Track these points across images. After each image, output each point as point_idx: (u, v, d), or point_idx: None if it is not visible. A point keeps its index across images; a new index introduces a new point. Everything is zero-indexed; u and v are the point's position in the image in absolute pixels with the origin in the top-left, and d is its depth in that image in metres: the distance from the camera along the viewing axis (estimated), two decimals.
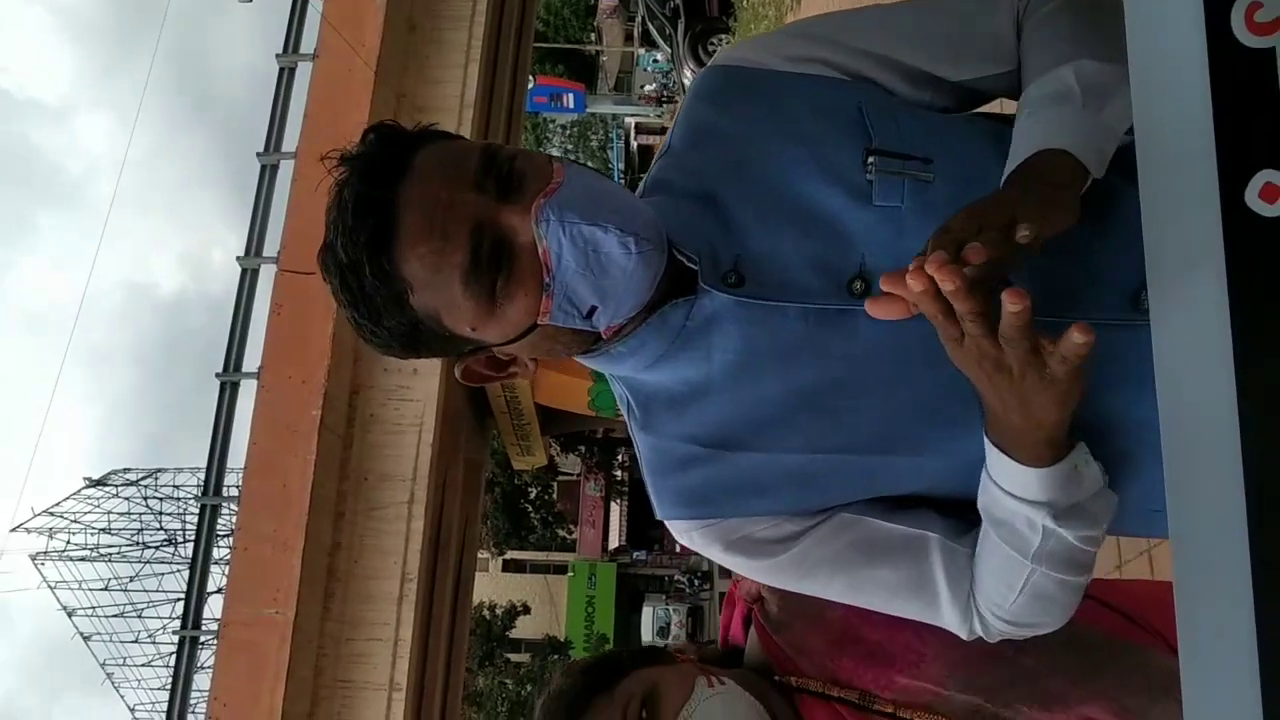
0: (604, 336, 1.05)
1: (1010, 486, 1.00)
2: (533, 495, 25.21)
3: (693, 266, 1.05)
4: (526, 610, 24.06)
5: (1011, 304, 0.83)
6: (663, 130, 32.49)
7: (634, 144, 32.57)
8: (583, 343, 1.06)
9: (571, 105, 24.13)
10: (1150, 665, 1.28)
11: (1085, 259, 1.03)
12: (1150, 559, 3.13)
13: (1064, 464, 0.98)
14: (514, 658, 23.28)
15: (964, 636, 1.13)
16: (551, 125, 31.35)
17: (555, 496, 26.56)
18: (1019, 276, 0.97)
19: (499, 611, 23.19)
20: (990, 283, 0.86)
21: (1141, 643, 1.32)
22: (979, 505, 1.06)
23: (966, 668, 1.26)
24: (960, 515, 1.10)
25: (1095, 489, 1.01)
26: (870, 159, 1.05)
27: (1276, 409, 0.72)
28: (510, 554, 27.13)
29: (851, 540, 1.11)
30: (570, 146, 32.01)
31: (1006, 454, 0.99)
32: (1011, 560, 1.04)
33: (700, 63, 16.65)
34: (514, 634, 23.83)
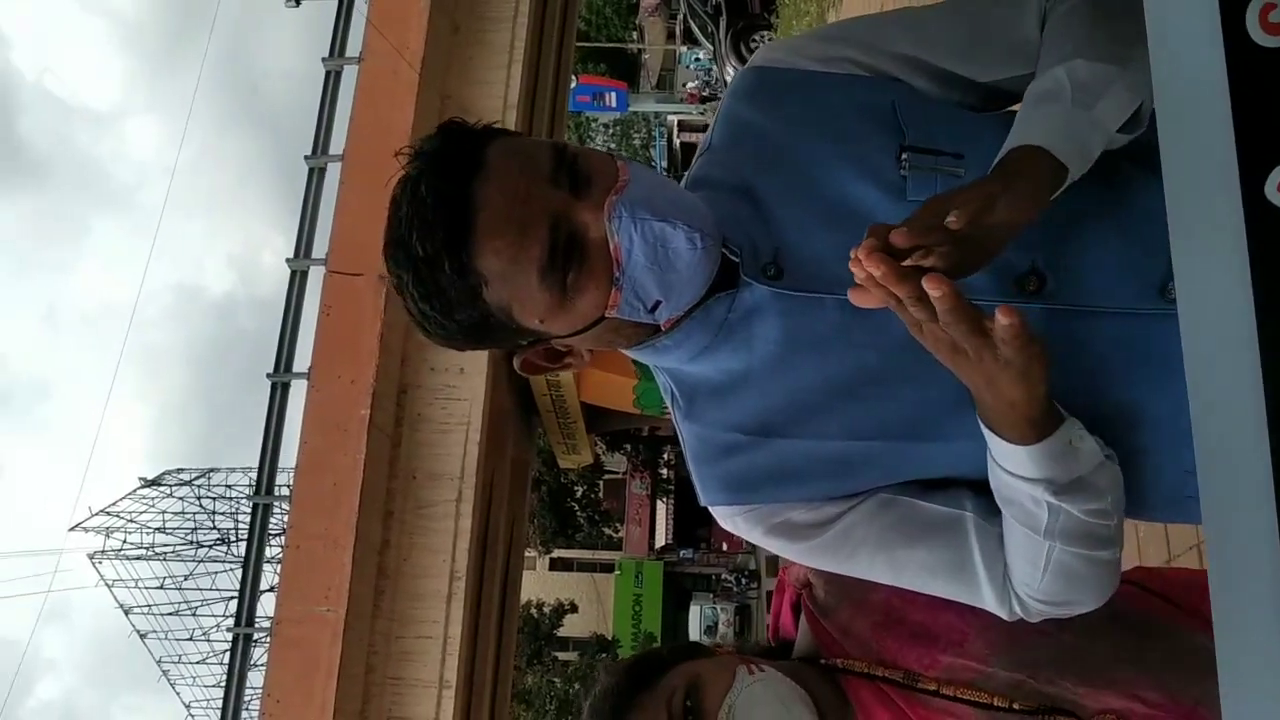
0: (663, 329, 1.09)
1: (1008, 465, 1.03)
2: (579, 494, 25.29)
3: (734, 259, 1.08)
4: (574, 609, 24.14)
5: (931, 289, 0.88)
6: (705, 128, 32.44)
7: (676, 142, 32.54)
8: (641, 335, 1.10)
9: (614, 104, 24.17)
10: (1193, 645, 1.28)
11: (1113, 251, 1.05)
12: (1199, 552, 3.09)
13: (1053, 440, 1.00)
14: (562, 656, 23.37)
15: (1005, 617, 1.15)
16: (594, 124, 31.41)
17: (601, 495, 26.62)
18: (1055, 269, 1.03)
19: (546, 610, 23.29)
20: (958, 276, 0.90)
21: (1184, 625, 1.32)
22: (991, 487, 1.08)
23: (1010, 645, 1.27)
24: (989, 494, 1.12)
25: (1095, 463, 1.03)
26: (904, 155, 1.08)
27: None
28: (557, 552, 27.24)
29: (890, 521, 1.14)
30: (613, 145, 32.04)
31: (996, 434, 1.02)
32: (1029, 538, 1.06)
33: (742, 60, 16.59)
34: (561, 632, 23.93)
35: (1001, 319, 0.90)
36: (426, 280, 0.99)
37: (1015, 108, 1.21)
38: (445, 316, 1.02)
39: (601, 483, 26.89)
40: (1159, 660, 1.27)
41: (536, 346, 1.10)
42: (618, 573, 28.06)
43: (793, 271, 1.08)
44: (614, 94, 23.98)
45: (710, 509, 1.18)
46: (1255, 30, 0.78)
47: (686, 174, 1.21)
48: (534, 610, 22.67)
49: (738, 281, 1.09)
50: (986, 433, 1.03)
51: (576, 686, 21.13)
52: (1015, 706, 1.28)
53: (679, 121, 32.21)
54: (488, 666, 3.76)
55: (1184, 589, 1.38)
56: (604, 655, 22.93)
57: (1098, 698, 1.27)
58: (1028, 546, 1.07)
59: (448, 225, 0.97)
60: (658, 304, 1.04)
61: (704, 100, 29.27)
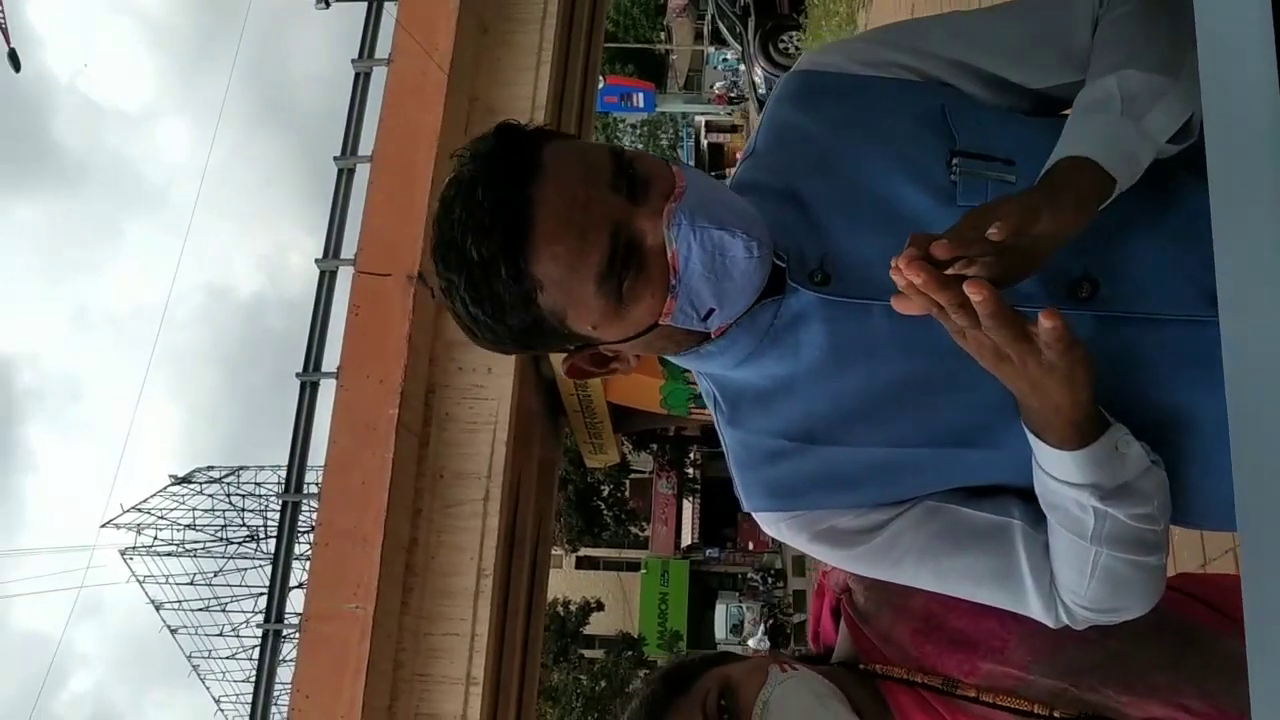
0: (713, 336, 1.08)
1: (1053, 470, 1.02)
2: (605, 493, 25.29)
3: (781, 265, 1.07)
4: (600, 607, 24.15)
5: (972, 293, 0.87)
6: (733, 128, 32.40)
7: (704, 142, 32.49)
8: (691, 341, 1.09)
9: (641, 104, 24.16)
10: (1238, 653, 1.27)
11: (1164, 257, 1.04)
12: (1235, 557, 3.07)
13: (1099, 445, 0.99)
14: (588, 654, 23.39)
15: (1051, 625, 1.14)
16: (621, 125, 31.42)
17: (628, 494, 26.60)
18: (1108, 275, 1.01)
19: (573, 608, 23.32)
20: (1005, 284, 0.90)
21: (1228, 632, 1.31)
22: (1037, 493, 1.07)
23: (1051, 652, 1.26)
24: (1039, 503, 1.10)
25: (1141, 468, 1.02)
26: (954, 160, 1.06)
27: None
28: (584, 551, 27.25)
29: (936, 529, 1.13)
30: (640, 145, 32.05)
31: (1041, 439, 1.01)
32: (1075, 544, 1.05)
33: (771, 60, 16.53)
34: (588, 630, 23.94)
35: (1045, 322, 0.89)
36: (480, 284, 0.97)
37: (1067, 112, 1.20)
38: (497, 321, 1.00)
39: (628, 482, 26.87)
40: (1204, 668, 1.25)
41: (584, 351, 1.09)
42: (644, 571, 28.05)
43: (840, 277, 1.07)
44: (641, 94, 23.99)
45: (754, 514, 1.17)
46: None
47: (730, 179, 1.19)
48: (560, 608, 22.70)
49: (784, 287, 1.07)
50: (1031, 438, 1.02)
51: (603, 684, 21.15)
52: (1056, 715, 1.26)
53: (706, 122, 32.17)
54: (514, 664, 3.78)
55: (1222, 594, 1.36)
56: (630, 653, 22.94)
57: (1141, 706, 1.26)
58: (1074, 552, 1.06)
59: (505, 229, 0.95)
60: (711, 312, 1.03)
61: (732, 102, 29.21)
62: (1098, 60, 1.08)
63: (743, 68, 22.36)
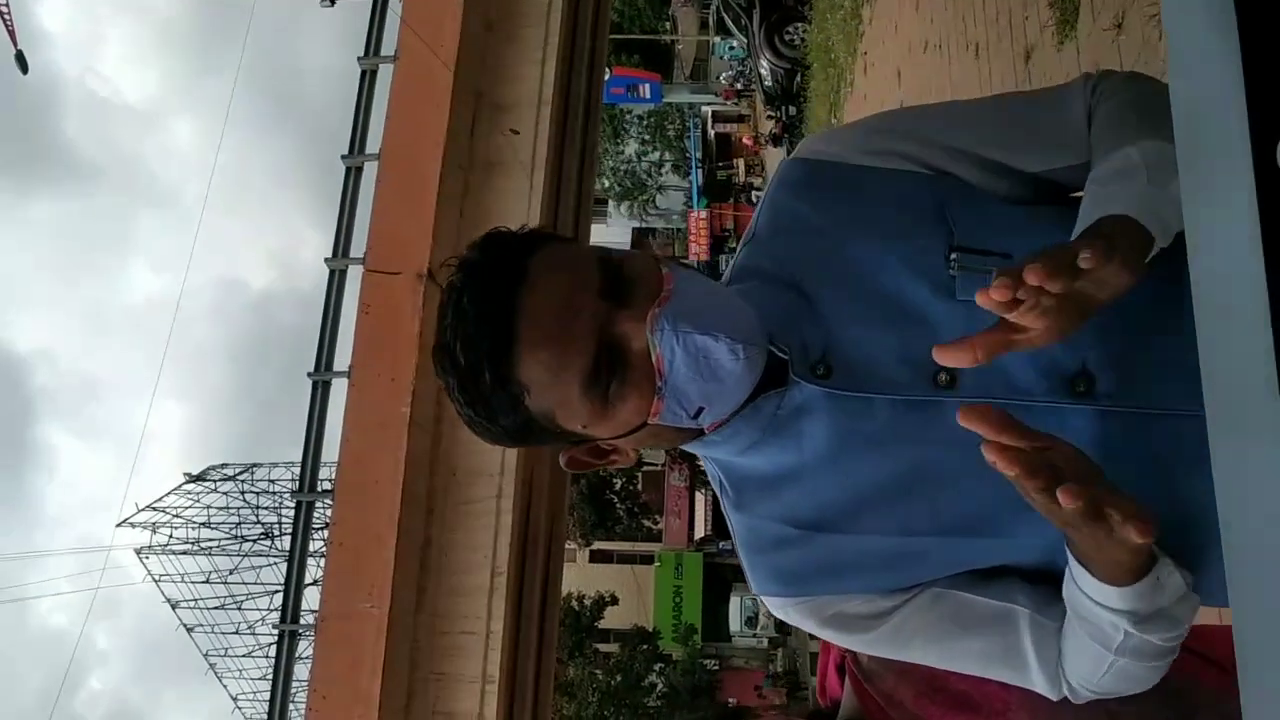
0: (706, 432, 1.10)
1: (1094, 595, 1.03)
2: (618, 486, 25.35)
3: (783, 357, 1.09)
4: (614, 601, 24.21)
5: (1067, 502, 0.87)
6: (740, 118, 32.33)
7: (711, 133, 32.44)
8: (686, 437, 1.11)
9: (648, 95, 24.17)
10: (1234, 713, 1.26)
11: (1163, 351, 1.05)
12: None
13: (1144, 582, 1.00)
14: (603, 648, 23.45)
15: (1054, 699, 1.16)
16: (628, 116, 31.38)
17: (640, 487, 26.64)
18: (1104, 369, 1.03)
19: (588, 602, 23.38)
20: (1052, 458, 0.91)
21: (1227, 690, 1.30)
22: (1065, 599, 1.08)
23: (1052, 715, 1.26)
24: (1047, 584, 1.12)
25: (1178, 595, 1.02)
26: (953, 255, 1.08)
27: None
28: (597, 545, 27.31)
29: (942, 614, 1.15)
30: (647, 136, 32.00)
31: (1086, 569, 1.02)
32: (1096, 649, 1.06)
33: (776, 52, 16.47)
34: (603, 624, 24.01)
35: (1135, 539, 0.90)
36: (469, 388, 1.02)
37: (1071, 197, 1.20)
38: (490, 421, 1.05)
39: (640, 475, 26.90)
40: None
41: (582, 445, 1.11)
42: (658, 564, 28.09)
43: (842, 370, 1.08)
44: (648, 85, 23.98)
45: (762, 598, 1.19)
46: None
47: (733, 261, 1.22)
48: (575, 603, 22.76)
49: (787, 379, 1.09)
50: (1074, 564, 1.03)
51: (618, 678, 21.19)
52: None
53: (713, 112, 32.14)
54: (530, 660, 3.78)
55: (1227, 647, 1.35)
56: (645, 647, 22.98)
57: None
58: (1093, 654, 1.07)
59: (491, 337, 0.99)
60: (700, 410, 1.05)
61: (740, 95, 29.15)
62: (1108, 136, 1.09)
63: (749, 58, 22.30)
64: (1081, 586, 1.03)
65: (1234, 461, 0.79)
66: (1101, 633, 1.04)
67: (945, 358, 0.92)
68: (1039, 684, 1.15)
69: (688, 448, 1.16)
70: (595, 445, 1.11)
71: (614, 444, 1.10)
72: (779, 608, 1.19)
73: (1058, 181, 1.17)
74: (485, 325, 0.99)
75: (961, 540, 1.11)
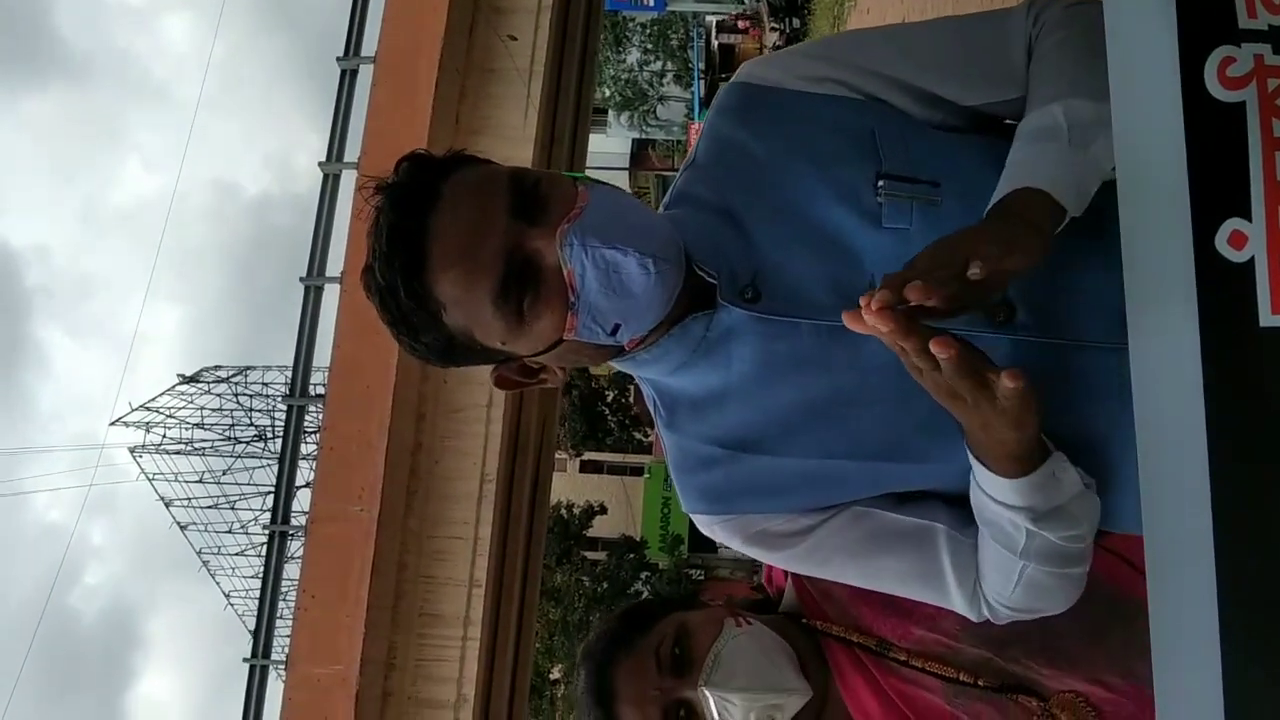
0: (626, 350, 1.12)
1: (991, 491, 1.06)
2: (609, 399, 25.46)
3: (712, 282, 1.11)
4: (603, 510, 24.47)
5: (939, 352, 0.90)
6: (745, 30, 31.78)
7: (714, 43, 31.90)
8: (608, 354, 1.13)
9: (651, 3, 23.71)
10: None
11: (1083, 285, 1.07)
12: None
13: (1038, 474, 1.03)
14: (591, 556, 23.77)
15: (974, 619, 1.20)
16: (631, 24, 30.82)
17: (632, 400, 26.77)
18: (1025, 301, 1.06)
19: (576, 511, 23.63)
20: (950, 314, 0.91)
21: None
22: (971, 505, 1.11)
23: (980, 623, 1.30)
24: (965, 506, 1.15)
25: (1075, 492, 1.06)
26: (880, 183, 1.10)
27: (1241, 429, 0.80)
28: (588, 455, 27.52)
29: (863, 533, 1.18)
30: (650, 46, 31.49)
31: (983, 464, 1.05)
32: (1003, 555, 1.10)
33: None
34: (591, 533, 24.30)
35: (1008, 383, 0.92)
36: (391, 308, 1.05)
37: (1010, 125, 1.19)
38: (413, 339, 1.08)
39: (632, 388, 27.00)
40: (1124, 644, 1.28)
41: (509, 364, 1.14)
42: (647, 476, 28.35)
43: (770, 295, 1.10)
44: None
45: (690, 515, 1.23)
46: (1213, 84, 0.81)
47: (671, 187, 1.23)
48: (564, 511, 23.01)
49: (716, 302, 1.11)
50: (973, 461, 1.06)
51: (604, 585, 21.54)
52: (980, 683, 1.31)
53: (718, 23, 31.57)
54: (517, 566, 3.84)
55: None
56: (632, 556, 23.32)
57: (1061, 679, 1.30)
58: (1002, 562, 1.11)
59: (404, 257, 1.02)
60: (617, 327, 1.06)
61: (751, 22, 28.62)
62: (1040, 85, 1.10)
63: None
64: (982, 485, 1.07)
65: (1151, 370, 0.85)
66: (1005, 535, 1.08)
67: (852, 325, 0.92)
68: (958, 603, 1.18)
69: (620, 366, 1.18)
70: (523, 364, 1.14)
71: (540, 362, 1.13)
72: (706, 525, 1.22)
73: (993, 114, 1.18)
74: (399, 245, 1.02)
75: (879, 464, 1.14)
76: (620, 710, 1.36)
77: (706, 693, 1.32)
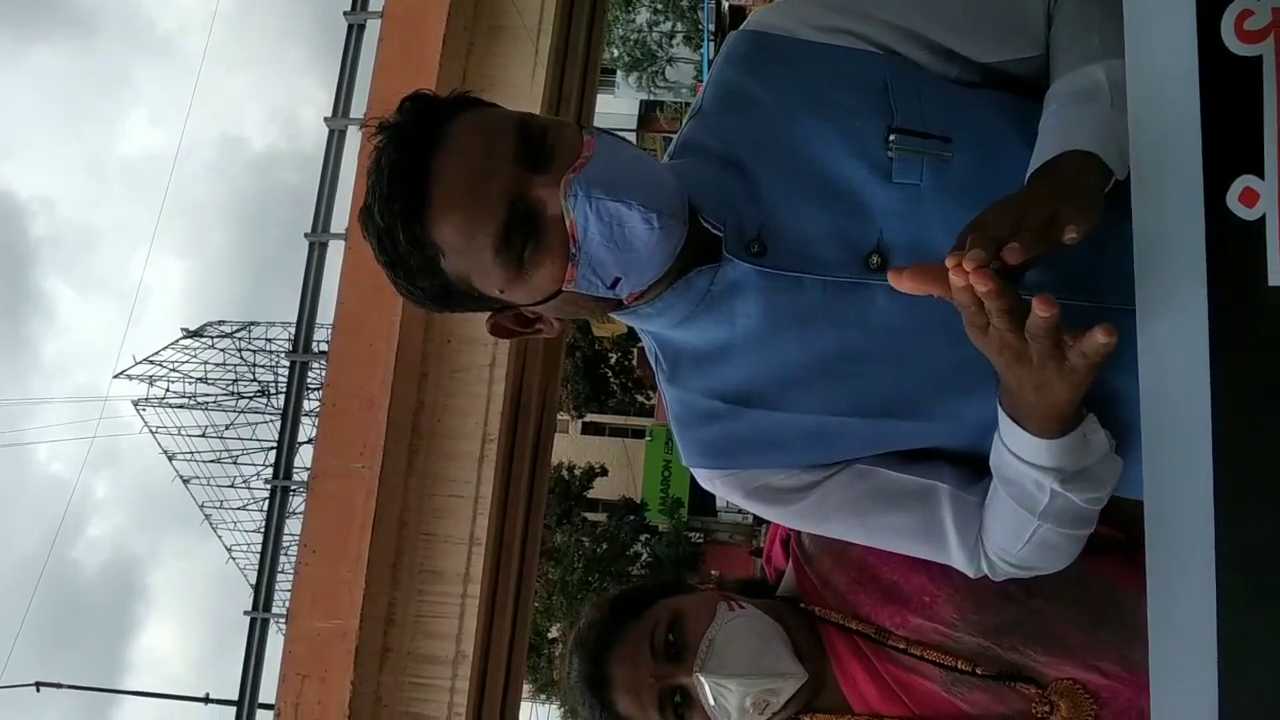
0: (625, 303, 1.10)
1: (1021, 451, 1.04)
2: (612, 361, 25.46)
3: (718, 234, 1.09)
4: (604, 472, 24.56)
5: (1042, 310, 0.86)
6: None
7: (725, 4, 31.62)
8: (607, 307, 1.12)
9: None
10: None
11: (1100, 246, 1.03)
12: None
13: (1074, 434, 1.01)
14: (591, 517, 23.88)
15: (971, 575, 1.19)
16: None
17: (635, 363, 26.79)
18: (1049, 263, 0.99)
19: (577, 472, 23.71)
20: (1020, 276, 0.89)
21: (1143, 591, 1.33)
22: (990, 463, 1.09)
23: (977, 611, 1.30)
24: (968, 465, 1.14)
25: (1101, 454, 1.04)
26: (891, 137, 1.07)
27: (1247, 387, 0.80)
28: (590, 417, 27.57)
29: (865, 490, 1.17)
30: (660, 6, 31.22)
31: (1018, 424, 1.02)
32: (1020, 515, 1.08)
33: None
34: (591, 494, 24.40)
35: (1103, 337, 0.87)
36: (388, 250, 1.03)
37: (1014, 92, 1.18)
38: (409, 283, 1.06)
39: (635, 351, 27.01)
40: (1120, 631, 1.28)
41: (506, 313, 1.12)
42: (648, 439, 28.41)
43: (776, 250, 1.08)
44: None
45: (691, 470, 1.22)
46: (1230, 38, 0.79)
47: (677, 136, 1.21)
48: (565, 472, 23.09)
49: (721, 255, 1.09)
50: (1005, 420, 1.03)
51: (604, 546, 21.66)
52: (978, 671, 1.31)
53: None
54: (517, 525, 3.86)
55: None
56: (632, 518, 23.43)
57: (1058, 666, 1.30)
58: (1016, 522, 1.09)
59: (405, 199, 1.00)
60: (617, 280, 1.04)
61: None
62: (1071, 45, 1.08)
63: None
64: (1010, 445, 1.04)
65: (1159, 351, 0.85)
66: (1027, 495, 1.06)
67: (902, 285, 0.90)
68: (957, 559, 1.18)
69: (621, 319, 1.17)
70: (519, 313, 1.12)
71: (537, 312, 1.11)
72: (706, 479, 1.21)
73: (1008, 72, 1.16)
74: (400, 187, 1.00)
75: (883, 422, 1.13)
76: (615, 698, 1.36)
77: (702, 679, 1.32)
